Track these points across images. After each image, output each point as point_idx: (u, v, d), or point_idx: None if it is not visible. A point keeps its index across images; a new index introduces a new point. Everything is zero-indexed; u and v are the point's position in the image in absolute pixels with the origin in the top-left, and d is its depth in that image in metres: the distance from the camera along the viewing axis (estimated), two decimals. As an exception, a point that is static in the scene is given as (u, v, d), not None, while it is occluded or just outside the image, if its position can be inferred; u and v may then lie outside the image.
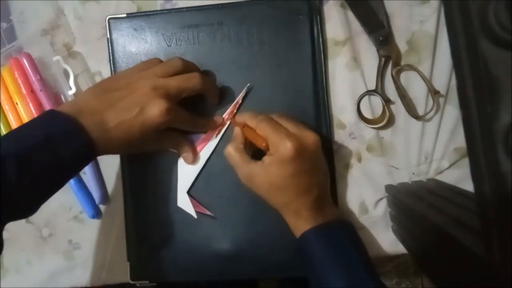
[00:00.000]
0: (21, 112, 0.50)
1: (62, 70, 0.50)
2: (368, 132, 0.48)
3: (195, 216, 0.49)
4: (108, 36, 0.51)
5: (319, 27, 0.47)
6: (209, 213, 0.49)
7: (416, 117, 0.47)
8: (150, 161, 0.50)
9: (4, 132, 0.51)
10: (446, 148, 0.47)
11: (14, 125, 0.50)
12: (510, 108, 0.24)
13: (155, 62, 0.45)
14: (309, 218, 0.41)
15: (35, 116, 0.49)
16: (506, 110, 0.24)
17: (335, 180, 0.48)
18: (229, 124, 0.48)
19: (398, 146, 0.48)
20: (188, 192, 0.49)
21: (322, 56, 0.48)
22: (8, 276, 0.54)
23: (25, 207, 0.38)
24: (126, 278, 0.50)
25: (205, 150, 0.48)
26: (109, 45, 0.51)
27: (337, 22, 0.48)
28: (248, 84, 0.48)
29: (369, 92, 0.47)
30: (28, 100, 0.50)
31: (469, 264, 0.30)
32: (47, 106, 0.50)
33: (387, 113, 0.47)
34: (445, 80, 0.47)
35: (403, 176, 0.48)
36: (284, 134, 0.40)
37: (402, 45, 0.48)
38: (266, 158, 0.41)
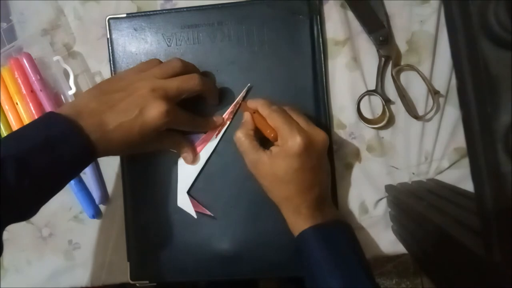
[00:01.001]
0: (21, 112, 0.50)
1: (62, 70, 0.50)
2: (368, 132, 0.48)
3: (195, 216, 0.49)
4: (108, 36, 0.51)
5: (319, 27, 0.47)
6: (209, 213, 0.49)
7: (416, 117, 0.47)
8: (150, 161, 0.50)
9: (4, 132, 0.51)
10: (446, 148, 0.47)
11: (14, 125, 0.50)
12: (510, 108, 0.24)
13: (154, 63, 0.45)
14: (308, 216, 0.41)
15: (35, 116, 0.50)
16: (506, 110, 0.24)
17: (335, 180, 0.48)
18: (229, 125, 0.48)
19: (398, 146, 0.48)
20: (188, 192, 0.49)
21: (322, 56, 0.48)
22: (8, 276, 0.54)
23: (25, 209, 0.38)
24: (126, 278, 0.50)
25: (205, 150, 0.48)
26: (109, 45, 0.51)
27: (337, 22, 0.48)
28: (248, 84, 0.48)
29: (369, 92, 0.47)
30: (28, 100, 0.50)
31: (469, 264, 0.30)
32: (47, 106, 0.50)
33: (387, 113, 0.47)
34: (445, 80, 0.47)
35: (403, 176, 0.48)
36: (295, 128, 0.41)
37: (402, 45, 0.48)
38: (274, 149, 0.42)
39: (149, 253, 0.50)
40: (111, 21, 0.51)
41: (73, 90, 0.50)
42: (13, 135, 0.38)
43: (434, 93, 0.46)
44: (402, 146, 0.48)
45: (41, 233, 0.54)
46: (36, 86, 0.50)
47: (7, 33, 0.53)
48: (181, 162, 0.49)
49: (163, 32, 0.50)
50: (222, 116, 0.48)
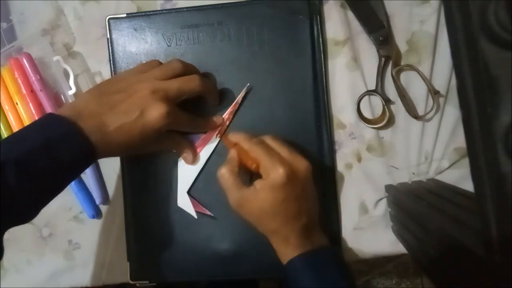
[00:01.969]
0: (21, 112, 0.50)
1: (62, 70, 0.50)
2: (368, 132, 0.48)
3: (195, 216, 0.49)
4: (108, 36, 0.51)
5: (319, 27, 0.47)
6: (209, 213, 0.49)
7: (416, 117, 0.47)
8: (150, 161, 0.50)
9: (4, 131, 0.51)
10: (446, 148, 0.47)
11: (14, 125, 0.50)
12: (510, 108, 0.24)
13: (154, 64, 0.45)
14: (297, 245, 0.41)
15: (35, 116, 0.50)
16: (506, 110, 0.24)
17: (335, 180, 0.48)
18: (229, 124, 0.48)
19: (398, 146, 0.48)
20: (188, 192, 0.49)
21: (322, 56, 0.48)
22: (8, 276, 0.54)
23: (25, 211, 0.38)
24: (126, 278, 0.50)
25: (205, 150, 0.48)
26: (109, 45, 0.51)
27: (337, 22, 0.48)
28: (248, 84, 0.48)
29: (369, 92, 0.47)
30: (28, 100, 0.50)
31: (469, 264, 0.30)
32: (47, 106, 0.50)
33: (387, 113, 0.47)
34: (445, 80, 0.47)
35: (403, 176, 0.48)
36: (276, 159, 0.40)
37: (402, 45, 0.48)
38: (257, 183, 0.41)
39: (149, 253, 0.50)
40: (111, 21, 0.51)
41: (73, 90, 0.50)
42: (13, 137, 0.38)
43: (434, 93, 0.46)
44: (402, 146, 0.48)
45: (41, 233, 0.54)
46: (36, 86, 0.50)
47: (7, 33, 0.53)
48: (181, 162, 0.49)
49: (163, 32, 0.50)
50: (222, 116, 0.48)
